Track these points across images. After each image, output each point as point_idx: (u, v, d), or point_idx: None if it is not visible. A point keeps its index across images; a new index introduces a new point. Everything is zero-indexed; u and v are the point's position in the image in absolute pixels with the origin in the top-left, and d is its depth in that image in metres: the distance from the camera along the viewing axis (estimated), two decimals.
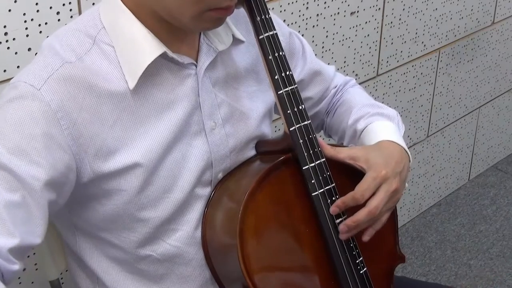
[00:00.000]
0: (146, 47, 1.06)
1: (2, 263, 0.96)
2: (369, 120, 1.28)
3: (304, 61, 1.33)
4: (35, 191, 1.00)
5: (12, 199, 0.98)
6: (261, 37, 1.12)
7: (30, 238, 1.00)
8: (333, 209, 1.14)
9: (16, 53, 1.36)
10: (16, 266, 0.98)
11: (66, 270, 1.28)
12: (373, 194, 1.15)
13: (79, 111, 1.03)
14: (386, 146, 1.22)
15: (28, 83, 1.01)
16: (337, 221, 1.15)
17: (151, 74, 1.08)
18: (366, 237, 1.18)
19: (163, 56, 1.07)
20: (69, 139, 1.03)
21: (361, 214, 1.14)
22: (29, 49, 1.37)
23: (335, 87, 1.39)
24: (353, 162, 1.18)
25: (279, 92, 1.13)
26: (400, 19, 2.22)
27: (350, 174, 1.20)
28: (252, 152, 1.22)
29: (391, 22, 2.19)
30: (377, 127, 1.27)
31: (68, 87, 1.03)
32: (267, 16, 1.12)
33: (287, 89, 1.13)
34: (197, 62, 1.12)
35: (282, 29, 1.26)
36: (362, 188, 1.14)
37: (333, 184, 1.15)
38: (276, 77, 1.13)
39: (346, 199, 1.14)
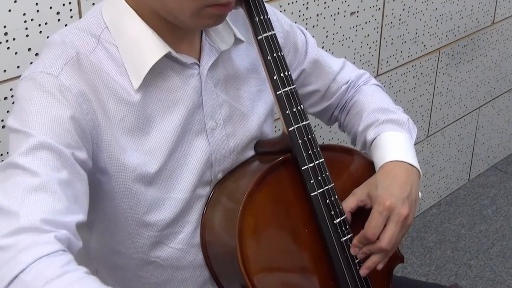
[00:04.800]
0: (151, 47, 1.06)
1: (73, 239, 0.94)
2: (378, 129, 1.26)
3: (306, 52, 1.32)
4: (77, 170, 0.99)
5: (61, 178, 0.96)
6: (259, 37, 1.12)
7: (82, 216, 0.98)
8: (354, 250, 1.16)
9: (16, 53, 1.36)
10: (81, 243, 0.96)
11: None
12: (384, 226, 1.15)
13: (95, 100, 1.03)
14: (389, 170, 1.20)
15: (45, 72, 1.01)
16: (336, 221, 1.15)
17: (155, 74, 1.08)
18: (380, 266, 1.18)
19: (167, 56, 1.07)
20: (90, 125, 1.02)
21: (376, 255, 1.16)
22: (29, 49, 1.37)
23: (347, 82, 1.35)
24: (362, 203, 1.18)
25: (277, 93, 1.13)
26: (400, 19, 2.21)
27: (348, 174, 1.20)
28: (252, 153, 1.22)
29: (391, 22, 2.19)
30: (385, 141, 1.24)
31: (84, 75, 1.03)
32: (265, 17, 1.12)
33: (286, 89, 1.13)
34: (199, 62, 1.12)
35: (282, 24, 1.26)
36: (371, 225, 1.14)
37: (332, 184, 1.15)
38: (275, 77, 1.13)
39: (361, 239, 1.15)
